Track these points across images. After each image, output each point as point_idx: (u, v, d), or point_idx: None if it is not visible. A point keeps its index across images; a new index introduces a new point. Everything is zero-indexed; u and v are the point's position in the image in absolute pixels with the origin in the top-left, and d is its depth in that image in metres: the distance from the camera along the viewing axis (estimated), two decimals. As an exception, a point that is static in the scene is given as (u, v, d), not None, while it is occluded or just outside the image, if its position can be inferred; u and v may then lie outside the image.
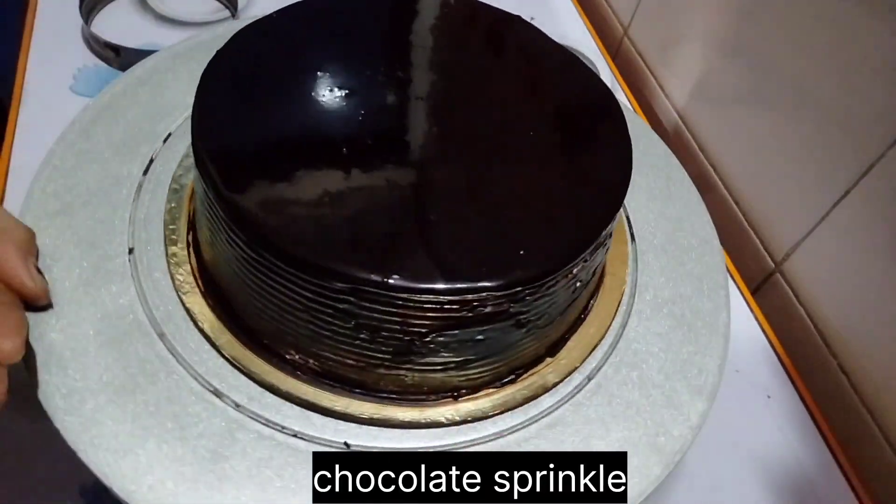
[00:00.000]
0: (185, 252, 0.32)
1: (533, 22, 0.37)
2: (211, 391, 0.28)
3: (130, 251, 0.32)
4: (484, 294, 0.26)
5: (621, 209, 0.39)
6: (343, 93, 0.32)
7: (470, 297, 0.26)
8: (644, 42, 0.65)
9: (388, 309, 0.26)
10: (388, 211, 0.28)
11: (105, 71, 0.54)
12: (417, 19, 0.37)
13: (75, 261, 0.31)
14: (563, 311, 0.31)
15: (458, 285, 0.26)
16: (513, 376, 0.31)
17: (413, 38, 0.36)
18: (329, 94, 0.31)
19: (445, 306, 0.26)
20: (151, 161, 0.36)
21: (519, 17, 0.37)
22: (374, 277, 0.25)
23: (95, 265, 0.31)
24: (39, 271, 0.29)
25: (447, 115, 0.33)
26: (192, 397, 0.28)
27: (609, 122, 0.33)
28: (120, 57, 0.54)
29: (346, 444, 0.28)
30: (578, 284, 0.30)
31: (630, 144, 0.32)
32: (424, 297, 0.26)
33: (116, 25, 0.58)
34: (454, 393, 0.30)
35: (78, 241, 0.32)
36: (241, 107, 0.30)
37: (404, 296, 0.26)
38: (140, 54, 0.45)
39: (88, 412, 0.27)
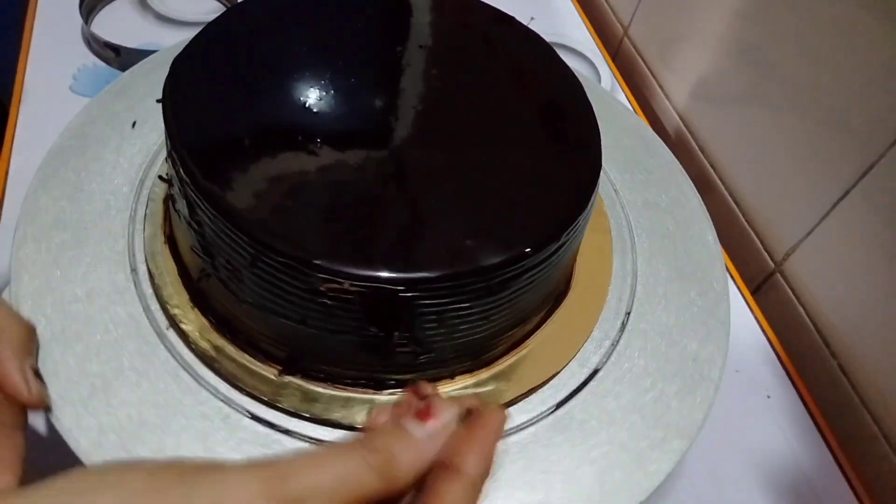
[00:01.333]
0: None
1: (533, 22, 0.37)
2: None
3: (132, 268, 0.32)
4: (442, 282, 0.26)
5: (620, 210, 0.39)
6: (317, 79, 0.31)
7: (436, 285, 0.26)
8: (644, 42, 0.65)
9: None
10: (349, 198, 0.28)
11: (105, 71, 0.54)
12: (401, 10, 0.37)
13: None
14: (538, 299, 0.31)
15: (412, 275, 0.25)
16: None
17: (395, 29, 0.36)
18: (304, 80, 0.31)
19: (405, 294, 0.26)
20: (152, 159, 0.36)
21: (501, 11, 0.37)
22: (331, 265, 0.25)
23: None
24: (38, 374, 0.27)
25: (423, 107, 0.32)
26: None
27: (578, 120, 0.33)
28: (120, 57, 0.54)
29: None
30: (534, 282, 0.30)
31: (599, 145, 0.32)
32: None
33: (116, 25, 0.58)
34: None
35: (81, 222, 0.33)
36: (214, 88, 0.30)
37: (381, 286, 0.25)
38: (140, 54, 0.45)
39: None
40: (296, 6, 0.34)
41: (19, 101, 0.51)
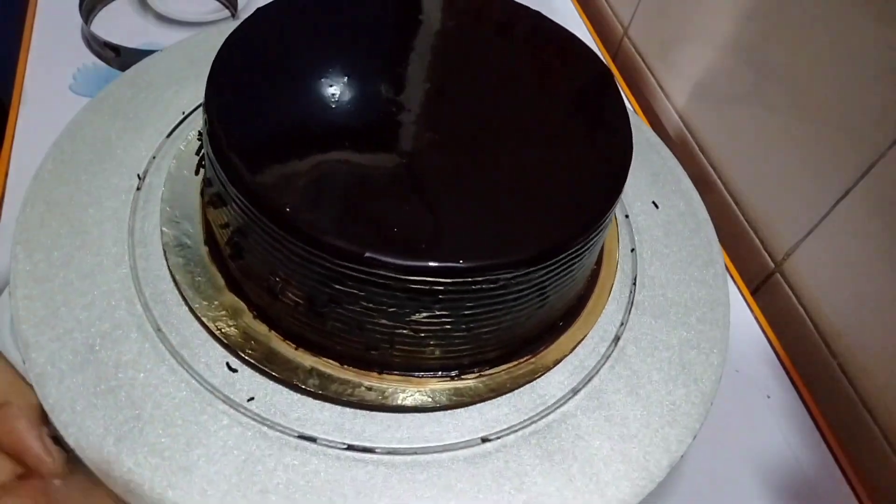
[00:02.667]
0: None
1: (533, 21, 0.37)
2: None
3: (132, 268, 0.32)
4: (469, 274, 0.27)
5: (622, 210, 0.39)
6: (352, 75, 0.32)
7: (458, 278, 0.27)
8: (644, 42, 0.65)
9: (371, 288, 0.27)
10: (386, 189, 0.29)
11: (105, 71, 0.54)
12: (428, 5, 0.37)
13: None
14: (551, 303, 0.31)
15: (448, 264, 0.26)
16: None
17: (424, 24, 0.36)
18: (339, 76, 0.32)
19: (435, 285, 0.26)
20: (153, 158, 0.36)
21: (525, 5, 0.37)
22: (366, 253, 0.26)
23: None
24: (56, 439, 0.25)
25: (453, 101, 0.33)
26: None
27: (609, 106, 0.34)
28: (120, 57, 0.54)
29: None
30: (567, 276, 0.30)
31: (630, 128, 0.32)
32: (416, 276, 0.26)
33: (116, 25, 0.58)
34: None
35: (74, 234, 0.33)
36: (251, 82, 0.31)
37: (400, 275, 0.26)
38: (140, 54, 0.45)
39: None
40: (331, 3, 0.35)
41: (19, 101, 0.51)
